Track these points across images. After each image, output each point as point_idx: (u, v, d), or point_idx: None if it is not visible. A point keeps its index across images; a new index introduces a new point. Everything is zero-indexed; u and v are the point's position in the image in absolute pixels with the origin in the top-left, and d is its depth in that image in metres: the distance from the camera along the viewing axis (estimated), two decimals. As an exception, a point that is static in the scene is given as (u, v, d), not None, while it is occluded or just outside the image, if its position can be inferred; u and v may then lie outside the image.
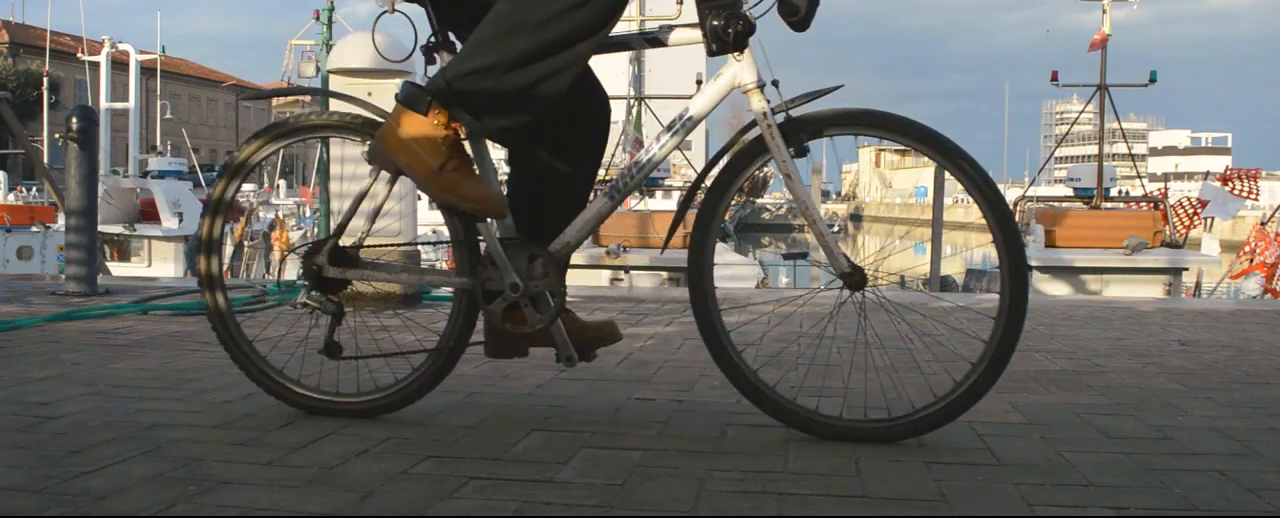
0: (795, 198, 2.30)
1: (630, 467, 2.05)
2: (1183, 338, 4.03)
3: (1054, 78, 15.04)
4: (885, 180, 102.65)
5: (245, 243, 18.88)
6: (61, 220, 12.03)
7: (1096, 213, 13.17)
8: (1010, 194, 27.30)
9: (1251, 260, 12.38)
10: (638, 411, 2.58)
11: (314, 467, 2.02)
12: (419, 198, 5.75)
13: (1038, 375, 3.12)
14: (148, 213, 18.73)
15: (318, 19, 17.69)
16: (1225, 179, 13.70)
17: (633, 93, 14.85)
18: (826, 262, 2.27)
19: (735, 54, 2.22)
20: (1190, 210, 13.69)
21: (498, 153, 2.42)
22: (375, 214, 2.46)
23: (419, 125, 2.23)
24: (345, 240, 2.51)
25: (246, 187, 30.40)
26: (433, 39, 2.37)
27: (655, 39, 2.33)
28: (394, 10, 2.50)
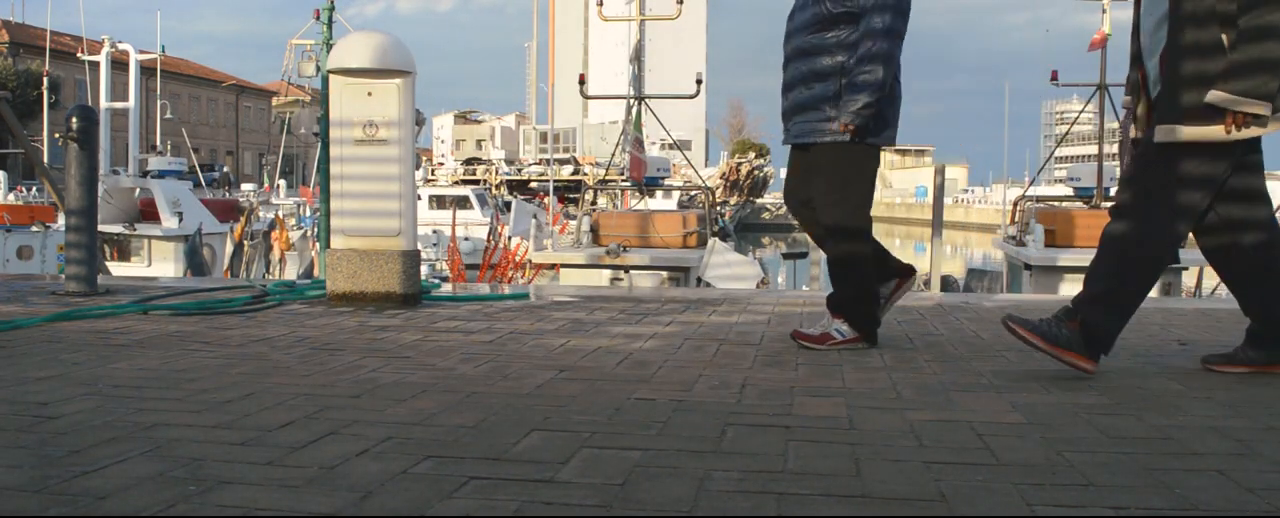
0: None
1: (630, 467, 2.05)
2: (1183, 338, 4.03)
3: (1054, 78, 15.03)
4: (885, 180, 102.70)
5: (245, 243, 18.87)
6: (61, 220, 12.03)
7: (1096, 213, 13.16)
8: (1010, 194, 27.27)
9: (1251, 260, 12.38)
10: (638, 411, 2.58)
11: (314, 467, 2.03)
12: (419, 198, 5.73)
13: (1038, 375, 3.12)
14: (148, 213, 18.74)
15: (318, 19, 17.67)
16: (1225, 179, 13.67)
17: (632, 93, 14.84)
18: None
19: None
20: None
21: None
22: None
23: None
24: None
25: (246, 186, 30.42)
26: None
27: None
28: None
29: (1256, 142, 3.06)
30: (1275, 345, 3.16)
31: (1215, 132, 2.93)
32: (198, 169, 27.25)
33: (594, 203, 14.45)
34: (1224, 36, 2.91)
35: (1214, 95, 2.89)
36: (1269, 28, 2.85)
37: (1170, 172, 3.02)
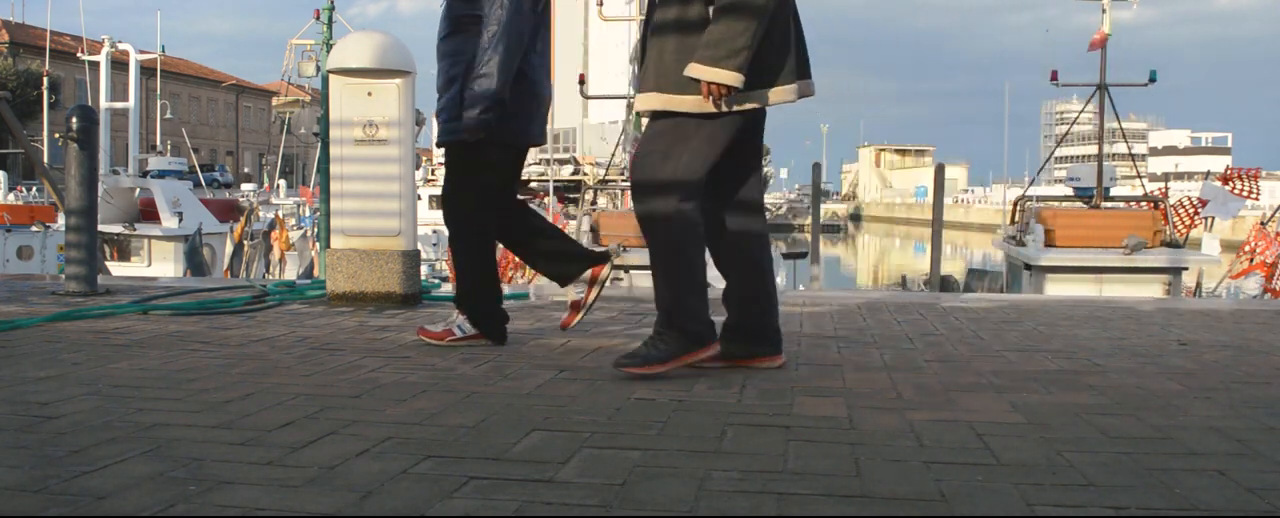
0: None
1: (630, 467, 2.05)
2: (1183, 338, 4.03)
3: (1053, 78, 15.04)
4: (885, 180, 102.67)
5: (245, 243, 18.88)
6: (61, 220, 12.02)
7: (1096, 213, 13.18)
8: (1010, 194, 27.29)
9: (1251, 260, 12.38)
10: (638, 411, 2.58)
11: (314, 467, 2.02)
12: (419, 198, 5.70)
13: (1038, 375, 3.12)
14: (147, 213, 18.76)
15: (318, 19, 17.67)
16: (1226, 179, 13.68)
17: (633, 93, 14.85)
18: None
19: None
20: (1190, 210, 13.68)
21: None
22: None
23: None
24: None
25: (246, 186, 30.42)
26: None
27: None
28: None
29: (757, 126, 3.09)
30: (750, 339, 3.15)
31: (688, 102, 2.92)
32: (198, 169, 27.27)
33: (594, 203, 14.45)
34: (709, 10, 2.92)
35: (690, 67, 2.90)
36: (742, 2, 2.85)
37: (673, 148, 2.99)
